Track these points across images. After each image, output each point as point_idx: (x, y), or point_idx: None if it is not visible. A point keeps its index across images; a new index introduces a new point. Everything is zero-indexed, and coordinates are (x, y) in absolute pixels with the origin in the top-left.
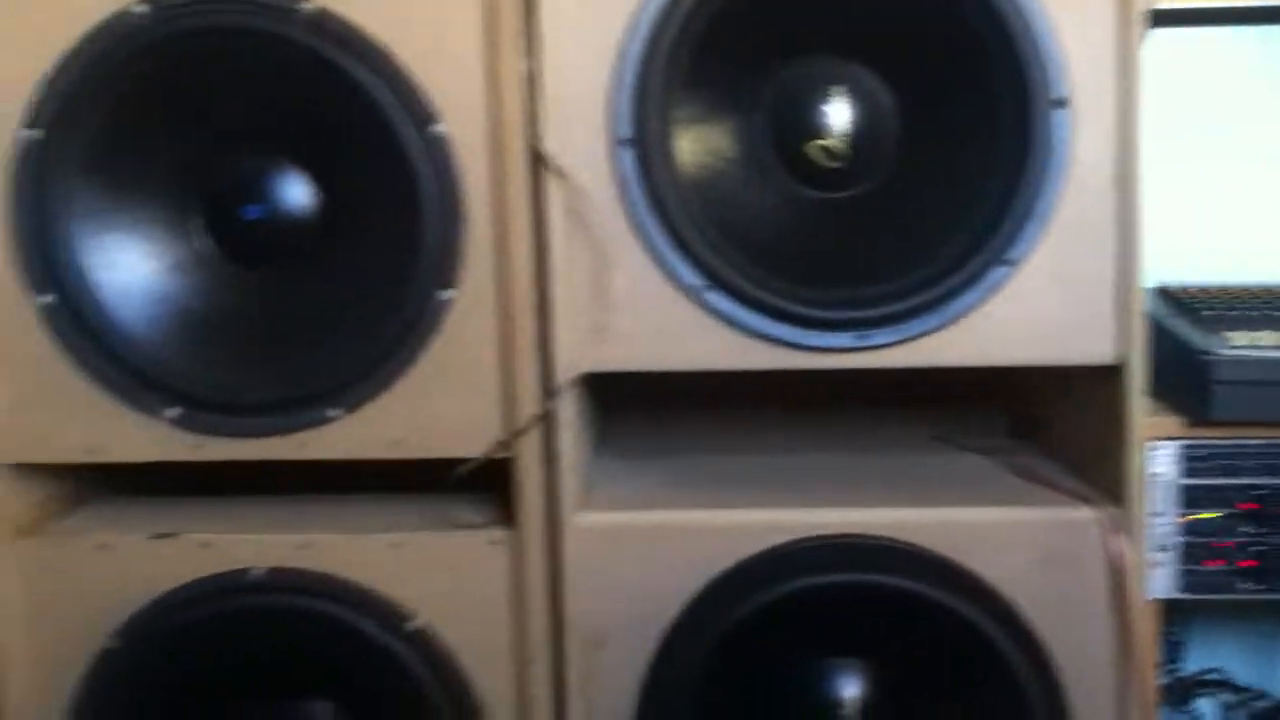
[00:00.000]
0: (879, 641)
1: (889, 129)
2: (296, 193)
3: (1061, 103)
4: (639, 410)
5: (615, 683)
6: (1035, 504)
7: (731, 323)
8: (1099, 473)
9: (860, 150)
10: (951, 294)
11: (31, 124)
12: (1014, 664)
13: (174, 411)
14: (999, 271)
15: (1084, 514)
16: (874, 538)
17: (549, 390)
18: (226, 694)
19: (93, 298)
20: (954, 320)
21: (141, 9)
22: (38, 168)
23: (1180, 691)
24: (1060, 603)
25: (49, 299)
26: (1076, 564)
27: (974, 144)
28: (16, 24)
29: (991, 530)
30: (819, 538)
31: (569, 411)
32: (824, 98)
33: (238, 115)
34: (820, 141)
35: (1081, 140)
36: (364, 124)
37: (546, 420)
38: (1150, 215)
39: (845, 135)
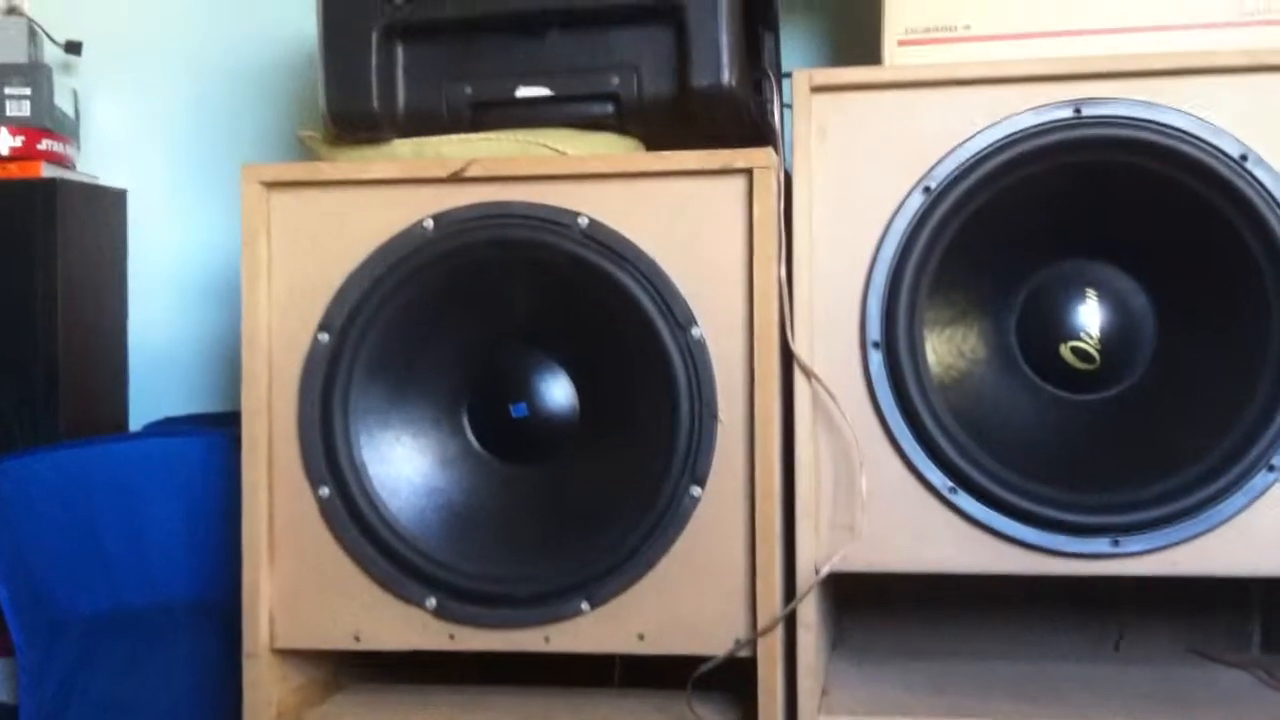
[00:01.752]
0: None
1: (1144, 330)
2: (559, 392)
3: None
4: (873, 604)
5: None
6: None
7: (980, 525)
8: None
9: (1114, 352)
10: (1212, 500)
11: (324, 328)
12: None
13: (432, 601)
14: (1263, 478)
15: None
16: None
17: (792, 590)
18: None
19: (366, 491)
20: (1214, 527)
21: (429, 223)
22: (326, 368)
23: None
24: None
25: (326, 491)
26: None
27: (1236, 347)
28: (319, 237)
29: None
30: None
31: (811, 612)
32: (1077, 300)
33: (508, 318)
34: (1074, 344)
35: None
36: (626, 326)
37: (789, 621)
38: None
39: (1099, 337)
